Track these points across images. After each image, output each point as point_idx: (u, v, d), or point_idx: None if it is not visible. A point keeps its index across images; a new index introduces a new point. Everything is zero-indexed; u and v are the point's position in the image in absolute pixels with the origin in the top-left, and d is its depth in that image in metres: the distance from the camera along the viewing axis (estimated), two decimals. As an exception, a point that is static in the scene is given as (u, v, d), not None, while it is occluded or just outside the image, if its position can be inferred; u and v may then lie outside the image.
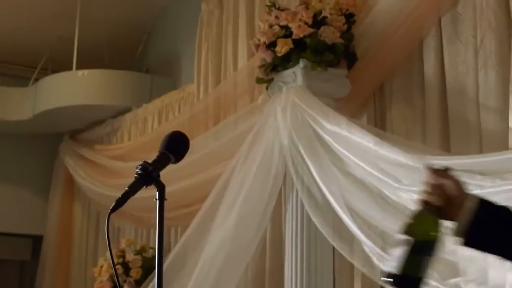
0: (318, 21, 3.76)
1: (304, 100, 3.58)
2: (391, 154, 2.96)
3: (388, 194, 3.03)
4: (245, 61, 4.97)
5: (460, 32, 3.41)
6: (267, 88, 3.96)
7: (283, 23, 3.79)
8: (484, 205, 1.59)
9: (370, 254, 3.08)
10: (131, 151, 6.13)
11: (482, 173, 2.73)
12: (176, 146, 1.85)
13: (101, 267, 5.34)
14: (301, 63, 3.71)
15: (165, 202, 5.33)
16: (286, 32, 3.79)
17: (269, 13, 3.91)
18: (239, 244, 3.80)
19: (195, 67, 5.59)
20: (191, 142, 5.35)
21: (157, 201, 1.74)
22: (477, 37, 3.29)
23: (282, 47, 3.73)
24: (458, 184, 1.55)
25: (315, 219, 3.39)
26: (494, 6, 3.23)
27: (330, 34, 3.69)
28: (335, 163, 3.32)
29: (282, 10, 3.85)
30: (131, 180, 5.53)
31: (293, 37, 3.71)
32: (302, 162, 3.48)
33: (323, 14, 3.77)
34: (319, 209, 3.39)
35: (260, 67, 3.91)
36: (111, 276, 5.22)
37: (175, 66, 6.72)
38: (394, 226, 3.00)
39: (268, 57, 3.83)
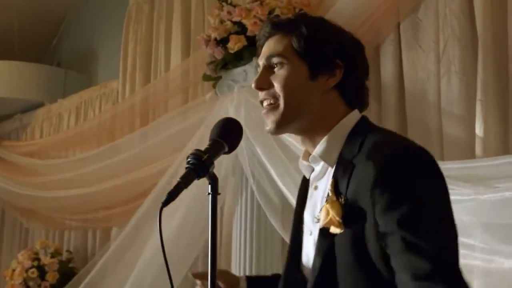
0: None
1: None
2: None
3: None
4: (178, 60, 4.79)
5: (420, 38, 3.38)
6: (214, 86, 3.81)
7: (236, 19, 3.64)
8: None
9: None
10: (45, 149, 5.81)
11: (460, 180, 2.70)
12: (230, 133, 1.65)
13: (13, 270, 4.98)
14: (254, 61, 3.57)
15: (84, 204, 5.06)
16: (239, 28, 3.65)
17: (220, 8, 3.75)
18: (182, 245, 3.64)
19: (120, 64, 5.34)
20: (116, 142, 5.16)
21: (210, 196, 1.53)
22: (440, 44, 3.26)
23: (235, 44, 3.59)
24: None
25: (274, 222, 3.27)
26: (457, 13, 3.21)
27: (285, 33, 3.57)
28: (293, 165, 3.20)
29: (234, 5, 3.71)
30: (49, 178, 5.23)
31: (248, 34, 3.58)
32: (259, 164, 3.35)
33: (276, 12, 3.65)
34: (278, 212, 3.27)
35: (209, 64, 3.74)
36: (24, 280, 4.89)
37: (90, 61, 6.43)
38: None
39: (218, 53, 3.67)
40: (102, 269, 4.13)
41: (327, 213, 1.53)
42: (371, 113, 3.49)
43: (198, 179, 1.53)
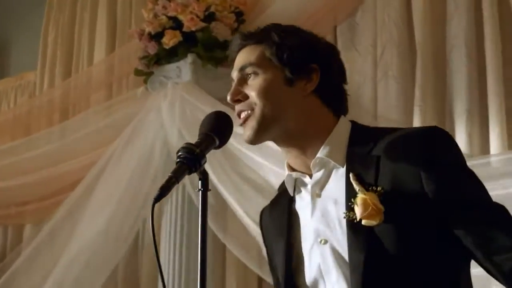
0: (207, 16, 3.58)
1: (195, 97, 3.38)
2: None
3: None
4: (102, 53, 4.65)
5: (357, 41, 3.40)
6: (145, 82, 3.71)
7: (171, 14, 3.56)
8: None
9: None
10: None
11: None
12: (221, 128, 1.56)
13: None
14: (190, 58, 3.51)
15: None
16: (174, 23, 3.57)
17: (154, 2, 3.66)
18: (108, 246, 3.53)
19: (39, 54, 5.14)
20: (33, 136, 4.95)
21: (201, 192, 1.44)
22: (377, 48, 3.29)
23: (170, 39, 3.51)
24: None
25: (211, 224, 3.21)
26: (396, 19, 3.25)
27: (222, 31, 3.52)
28: (233, 167, 3.16)
29: (170, 0, 3.62)
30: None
31: (184, 29, 3.50)
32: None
33: (212, 9, 3.59)
34: (214, 213, 3.21)
35: (142, 58, 3.64)
36: None
37: (4, 50, 6.14)
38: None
39: (152, 48, 3.58)
40: (18, 268, 3.93)
41: (366, 205, 1.47)
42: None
43: (189, 174, 1.45)
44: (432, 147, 1.50)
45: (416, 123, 3.02)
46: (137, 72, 3.71)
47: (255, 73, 1.62)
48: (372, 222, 1.47)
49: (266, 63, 1.62)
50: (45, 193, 4.63)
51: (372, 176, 1.51)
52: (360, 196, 1.48)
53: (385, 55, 3.25)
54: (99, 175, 3.66)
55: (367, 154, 1.55)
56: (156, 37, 3.57)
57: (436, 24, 3.13)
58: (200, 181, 1.44)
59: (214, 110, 3.30)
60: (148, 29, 3.58)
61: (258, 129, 1.60)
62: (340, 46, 3.44)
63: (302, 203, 1.65)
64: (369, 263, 1.47)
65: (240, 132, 3.21)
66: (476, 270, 1.53)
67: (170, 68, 3.58)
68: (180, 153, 1.45)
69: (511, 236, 1.42)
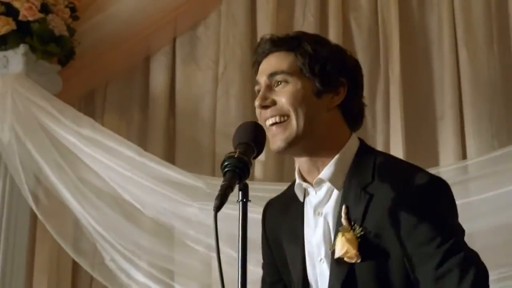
0: (42, 7, 3.39)
1: (29, 90, 3.19)
2: (166, 170, 2.86)
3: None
4: None
5: (198, 56, 3.45)
6: (-37, 68, 3.40)
7: (5, -1, 3.33)
8: None
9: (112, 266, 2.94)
10: None
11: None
12: (260, 137, 1.53)
13: None
14: (22, 49, 3.29)
15: None
16: (6, 10, 3.33)
17: (-13, -15, 3.38)
18: None
19: None
20: None
21: (241, 203, 1.40)
22: (219, 65, 3.38)
23: (3, 26, 3.27)
24: None
25: (45, 222, 3.04)
26: (241, 41, 3.36)
27: (59, 25, 3.37)
28: (71, 167, 3.04)
29: (4, -16, 3.38)
30: None
31: (20, 18, 3.29)
32: (32, 163, 3.08)
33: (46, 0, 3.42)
34: (48, 211, 3.06)
35: (-33, 42, 3.34)
36: None
37: None
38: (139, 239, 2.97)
39: (-22, 33, 3.31)
40: None
41: (344, 246, 1.54)
42: (133, 125, 3.49)
43: (239, 184, 1.41)
44: (429, 200, 1.54)
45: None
46: (-44, 58, 3.39)
47: (286, 81, 1.63)
48: (351, 260, 1.55)
49: (297, 72, 1.64)
50: None
51: (361, 213, 1.57)
52: (339, 237, 1.55)
53: (227, 73, 3.35)
54: None
55: (362, 189, 1.59)
56: (-16, 21, 3.31)
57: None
58: (240, 192, 1.42)
59: (49, 104, 3.16)
60: (-24, 11, 3.30)
61: (291, 143, 1.61)
62: (178, 58, 3.49)
63: (307, 215, 1.70)
64: None
65: (78, 131, 3.07)
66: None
67: (-5, 56, 3.34)
68: (227, 163, 1.44)
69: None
